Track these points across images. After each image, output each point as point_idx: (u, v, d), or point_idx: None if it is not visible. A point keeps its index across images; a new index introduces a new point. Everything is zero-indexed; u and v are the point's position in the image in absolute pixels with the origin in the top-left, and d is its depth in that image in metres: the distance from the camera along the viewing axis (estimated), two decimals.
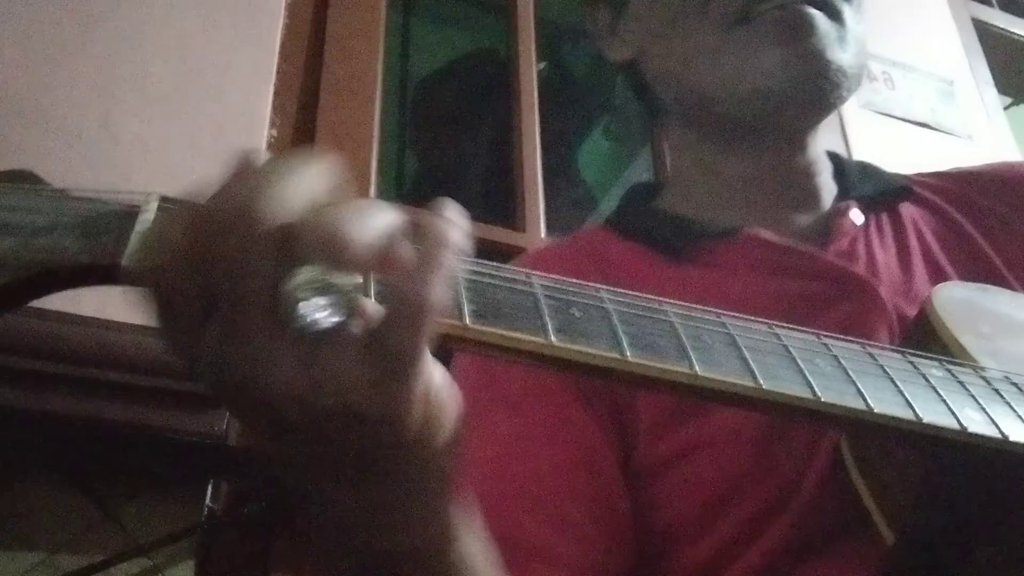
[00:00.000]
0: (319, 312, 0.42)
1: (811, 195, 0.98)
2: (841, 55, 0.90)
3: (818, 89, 0.90)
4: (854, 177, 1.01)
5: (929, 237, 0.95)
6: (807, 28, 0.88)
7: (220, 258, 0.41)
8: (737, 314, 0.56)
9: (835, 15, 0.91)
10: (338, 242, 0.41)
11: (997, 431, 0.56)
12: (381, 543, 0.51)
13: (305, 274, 0.43)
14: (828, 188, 0.99)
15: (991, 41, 3.43)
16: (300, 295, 0.42)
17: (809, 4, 0.89)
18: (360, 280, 0.44)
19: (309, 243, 0.41)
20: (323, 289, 0.43)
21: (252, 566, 1.57)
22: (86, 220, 0.45)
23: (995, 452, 0.56)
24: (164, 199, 0.47)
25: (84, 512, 1.48)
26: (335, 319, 0.43)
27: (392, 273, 0.43)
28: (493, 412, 0.82)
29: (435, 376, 0.46)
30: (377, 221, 0.43)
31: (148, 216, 0.45)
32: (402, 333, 0.43)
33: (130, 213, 0.46)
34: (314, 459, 0.47)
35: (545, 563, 0.75)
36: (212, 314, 0.43)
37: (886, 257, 0.91)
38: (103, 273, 0.44)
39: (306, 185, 0.43)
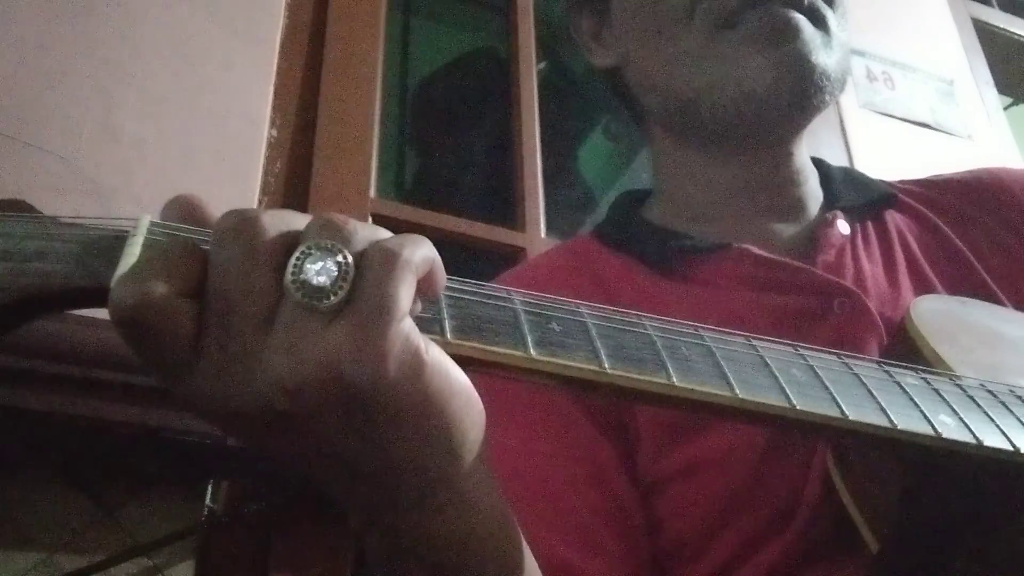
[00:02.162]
0: (317, 271, 0.45)
1: (797, 204, 0.98)
2: (825, 59, 0.90)
3: (802, 92, 0.90)
4: (839, 185, 1.01)
5: (914, 246, 0.95)
6: (792, 32, 0.89)
7: (224, 254, 0.45)
8: (715, 327, 0.56)
9: (819, 20, 0.92)
10: (339, 222, 0.47)
11: (971, 436, 0.56)
12: (414, 528, 0.52)
13: (305, 244, 0.46)
14: (814, 196, 1.00)
15: (991, 41, 3.44)
16: (302, 256, 0.46)
17: (794, 9, 0.90)
18: (351, 258, 0.46)
19: (313, 224, 0.47)
20: (321, 254, 0.46)
21: (252, 566, 1.58)
22: (77, 245, 0.47)
23: (970, 458, 0.56)
24: (154, 223, 0.49)
25: (84, 512, 1.49)
26: (330, 278, 0.45)
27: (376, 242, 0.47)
28: (503, 430, 0.82)
29: (434, 351, 0.47)
30: (373, 226, 0.49)
31: (138, 239, 0.47)
32: (373, 281, 0.45)
33: (119, 237, 0.48)
34: (320, 455, 0.48)
35: None
36: (203, 333, 0.45)
37: (873, 268, 0.91)
38: (92, 296, 0.46)
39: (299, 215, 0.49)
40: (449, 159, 3.14)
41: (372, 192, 2.04)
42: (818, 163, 1.05)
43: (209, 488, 1.59)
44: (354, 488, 0.51)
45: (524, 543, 0.59)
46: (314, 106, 2.07)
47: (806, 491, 0.76)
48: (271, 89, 2.02)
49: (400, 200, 2.79)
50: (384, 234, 0.49)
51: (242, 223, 0.46)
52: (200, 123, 1.88)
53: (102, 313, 1.34)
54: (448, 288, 0.51)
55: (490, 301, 0.51)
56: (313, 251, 0.45)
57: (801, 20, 0.90)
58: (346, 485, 0.51)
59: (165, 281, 0.44)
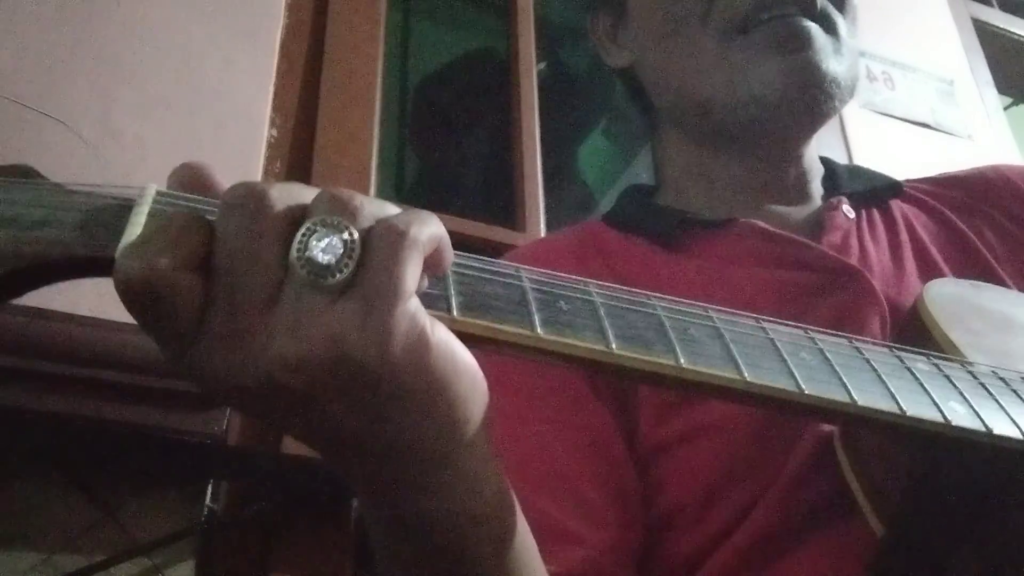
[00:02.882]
0: (323, 248, 0.44)
1: (803, 197, 0.99)
2: (836, 67, 0.92)
3: (812, 99, 0.92)
4: (844, 177, 1.03)
5: (921, 232, 0.96)
6: (804, 40, 0.91)
7: (231, 229, 0.45)
8: (725, 308, 0.56)
9: (831, 28, 0.93)
10: (346, 197, 0.46)
11: (981, 424, 0.56)
12: (416, 506, 0.52)
13: (311, 221, 0.45)
14: (819, 191, 1.01)
15: (991, 41, 3.44)
16: (308, 232, 0.45)
17: (806, 16, 0.91)
18: (357, 234, 0.45)
19: (321, 199, 0.47)
20: (327, 231, 0.45)
21: (252, 566, 1.57)
22: (82, 213, 0.46)
23: (980, 445, 0.56)
24: (160, 192, 0.48)
25: (84, 512, 1.49)
26: (335, 255, 0.44)
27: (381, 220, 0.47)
28: (506, 401, 0.82)
29: (440, 331, 0.47)
30: (381, 201, 0.49)
31: (143, 208, 0.46)
32: (380, 260, 0.45)
33: (125, 206, 0.47)
34: (324, 430, 0.48)
35: (568, 545, 0.76)
36: (208, 306, 0.45)
37: (878, 250, 0.93)
38: (96, 265, 0.45)
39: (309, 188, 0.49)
40: (449, 159, 3.13)
41: (372, 192, 2.04)
42: (825, 160, 1.06)
43: (209, 488, 1.58)
44: (357, 464, 0.51)
45: (524, 523, 0.59)
46: (314, 106, 2.07)
47: (794, 462, 0.77)
48: (271, 89, 2.01)
49: (400, 200, 2.78)
50: (391, 210, 0.48)
51: (249, 197, 0.46)
52: (200, 123, 1.87)
53: (103, 313, 1.33)
54: (456, 264, 0.50)
55: (498, 278, 0.51)
56: (319, 228, 0.45)
57: (813, 28, 0.91)
58: (349, 461, 0.51)
59: (170, 254, 0.43)
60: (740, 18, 0.92)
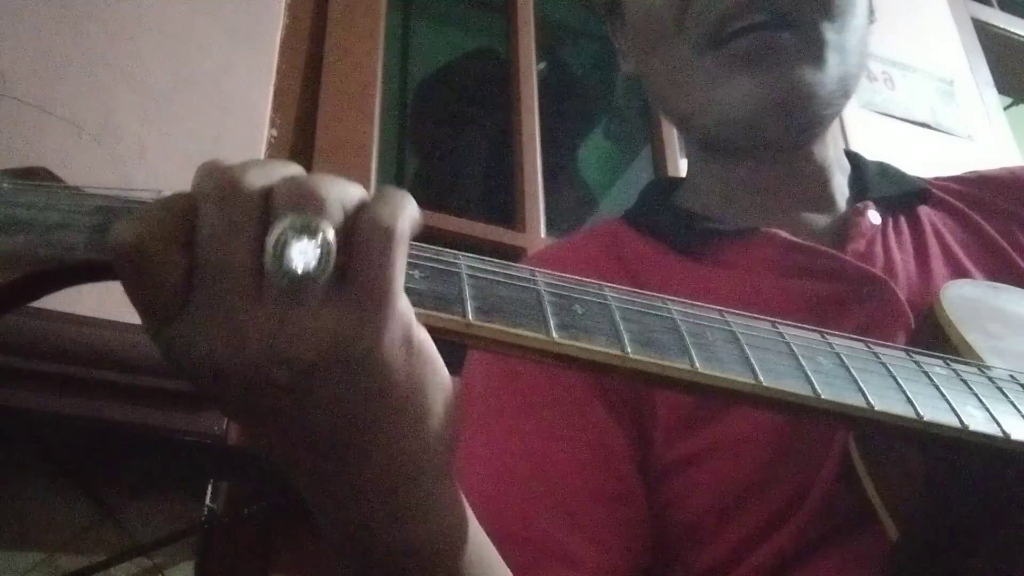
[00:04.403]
0: (299, 257, 0.44)
1: (826, 197, 0.97)
2: (814, 75, 0.88)
3: (786, 114, 0.89)
4: (872, 178, 1.00)
5: (949, 239, 0.94)
6: (775, 53, 0.87)
7: (206, 222, 0.45)
8: (741, 312, 0.56)
9: (808, 32, 0.89)
10: (311, 188, 0.45)
11: (999, 429, 0.56)
12: (377, 536, 0.52)
13: (281, 226, 0.44)
14: (843, 191, 0.99)
15: (991, 41, 3.44)
16: (279, 243, 0.44)
17: (778, 25, 0.88)
18: (332, 233, 0.44)
19: (285, 195, 0.45)
20: (299, 237, 0.44)
21: (252, 566, 1.57)
22: (98, 216, 0.46)
23: (997, 450, 0.56)
24: None
25: (84, 512, 1.48)
26: (314, 261, 0.44)
27: (360, 214, 0.46)
28: (516, 413, 0.82)
29: (421, 332, 0.48)
30: (341, 182, 0.48)
31: None
32: (371, 260, 0.45)
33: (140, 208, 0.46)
34: (307, 434, 0.48)
35: (565, 566, 0.75)
36: (192, 290, 0.45)
37: (904, 258, 0.90)
38: (112, 269, 0.45)
39: (277, 167, 0.48)
40: (449, 159, 3.13)
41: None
42: (852, 156, 1.04)
43: (209, 488, 1.58)
44: (321, 473, 0.51)
45: (487, 553, 0.59)
46: (314, 106, 2.06)
47: (823, 474, 0.76)
48: (271, 89, 2.01)
49: None
50: (356, 192, 0.48)
51: (222, 187, 0.45)
52: (200, 123, 1.87)
53: (103, 313, 1.32)
54: (471, 267, 0.50)
55: (513, 282, 0.50)
56: (291, 236, 0.44)
57: (784, 37, 0.88)
58: (312, 470, 0.51)
59: (162, 228, 0.44)
60: (712, 29, 0.89)
